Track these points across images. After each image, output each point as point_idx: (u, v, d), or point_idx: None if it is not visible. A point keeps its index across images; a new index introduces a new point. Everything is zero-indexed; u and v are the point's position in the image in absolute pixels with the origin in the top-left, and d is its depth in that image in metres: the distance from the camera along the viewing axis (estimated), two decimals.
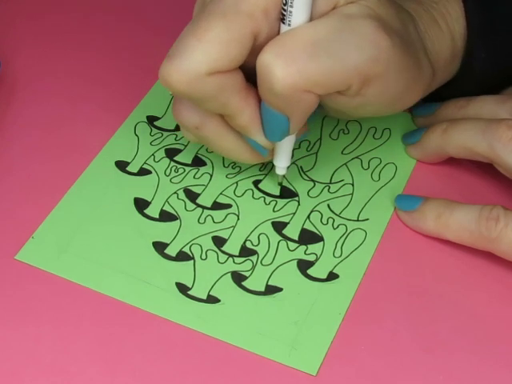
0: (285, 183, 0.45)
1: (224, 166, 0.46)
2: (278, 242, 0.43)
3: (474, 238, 0.41)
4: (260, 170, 0.46)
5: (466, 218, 0.41)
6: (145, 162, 0.46)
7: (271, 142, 0.41)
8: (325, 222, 0.44)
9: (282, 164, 0.43)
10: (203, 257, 0.42)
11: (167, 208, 0.44)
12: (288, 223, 0.44)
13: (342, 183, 0.45)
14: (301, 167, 0.46)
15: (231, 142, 0.41)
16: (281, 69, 0.36)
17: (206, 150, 0.47)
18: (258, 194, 0.45)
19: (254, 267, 0.42)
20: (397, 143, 0.47)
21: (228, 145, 0.42)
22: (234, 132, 0.41)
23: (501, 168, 0.42)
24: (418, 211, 0.43)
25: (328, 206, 0.44)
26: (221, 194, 0.45)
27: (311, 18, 0.38)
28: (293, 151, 0.43)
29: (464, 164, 0.46)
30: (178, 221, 0.44)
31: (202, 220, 0.44)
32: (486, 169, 0.44)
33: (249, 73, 0.39)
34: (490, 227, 0.40)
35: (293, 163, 0.46)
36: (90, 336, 0.39)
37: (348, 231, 0.43)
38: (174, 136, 0.48)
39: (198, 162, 0.46)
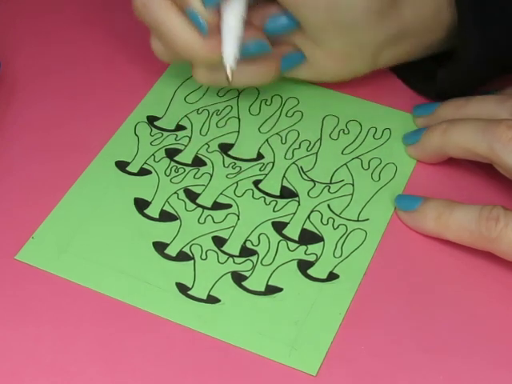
0: (285, 183, 0.45)
1: (224, 166, 0.46)
2: (278, 242, 0.43)
3: (474, 237, 0.41)
4: (260, 170, 0.46)
5: (466, 218, 0.41)
6: (145, 162, 0.46)
7: (209, 12, 0.42)
8: (325, 222, 0.44)
9: (227, 49, 0.42)
10: (203, 257, 0.42)
11: (167, 208, 0.44)
12: (288, 223, 0.44)
13: (342, 183, 0.45)
14: (301, 167, 0.46)
15: (175, 17, 0.43)
16: None
17: (207, 150, 0.47)
18: (258, 193, 0.45)
19: (254, 267, 0.42)
20: (397, 143, 0.47)
21: (172, 22, 0.43)
22: (178, 9, 0.43)
23: (501, 168, 0.42)
24: (417, 211, 0.43)
25: (328, 206, 0.44)
26: (221, 194, 0.45)
27: None
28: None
29: (464, 164, 0.46)
30: (178, 221, 0.44)
31: (202, 220, 0.44)
32: (486, 169, 0.44)
33: None
34: (490, 227, 0.40)
35: (293, 163, 0.46)
36: (90, 336, 0.39)
37: (348, 231, 0.43)
38: (174, 136, 0.48)
39: (197, 162, 0.46)
